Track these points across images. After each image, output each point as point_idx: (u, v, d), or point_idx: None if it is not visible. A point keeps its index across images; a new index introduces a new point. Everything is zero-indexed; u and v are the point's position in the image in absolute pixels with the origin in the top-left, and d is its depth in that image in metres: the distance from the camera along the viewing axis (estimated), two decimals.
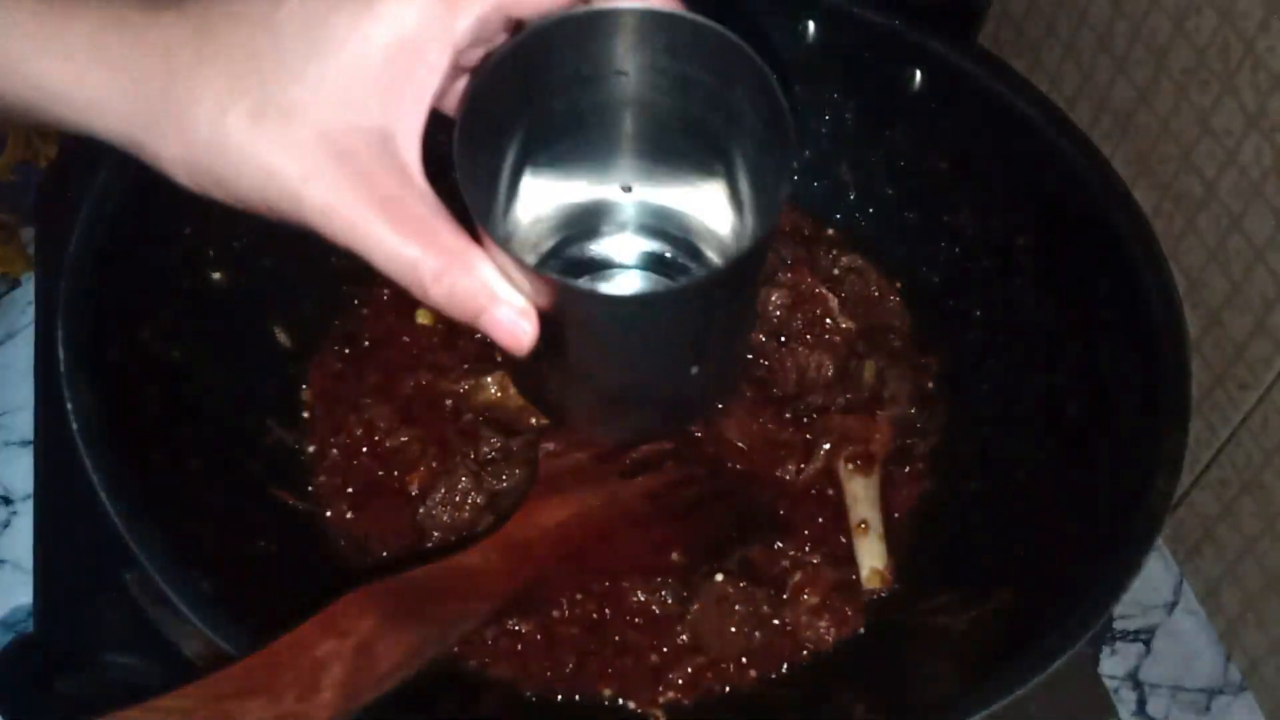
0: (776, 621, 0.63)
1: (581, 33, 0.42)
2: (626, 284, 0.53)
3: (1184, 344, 0.59)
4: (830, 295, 0.72)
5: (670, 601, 0.63)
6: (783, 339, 0.72)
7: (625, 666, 0.62)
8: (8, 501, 0.75)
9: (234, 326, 0.68)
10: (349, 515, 0.66)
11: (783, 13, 0.75)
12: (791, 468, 0.69)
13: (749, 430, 0.69)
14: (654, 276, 0.53)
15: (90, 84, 0.41)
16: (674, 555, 0.63)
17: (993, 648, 0.56)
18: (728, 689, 0.61)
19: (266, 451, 0.66)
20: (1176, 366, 0.58)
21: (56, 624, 0.68)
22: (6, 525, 0.74)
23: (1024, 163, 0.69)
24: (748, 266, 0.45)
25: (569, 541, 0.60)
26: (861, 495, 0.67)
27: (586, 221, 0.51)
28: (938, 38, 0.71)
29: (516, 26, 0.42)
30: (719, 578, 0.63)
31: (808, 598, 0.63)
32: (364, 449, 0.68)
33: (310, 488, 0.67)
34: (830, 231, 0.80)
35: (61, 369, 0.54)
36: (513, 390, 0.69)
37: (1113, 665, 0.73)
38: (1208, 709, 0.72)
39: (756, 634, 0.62)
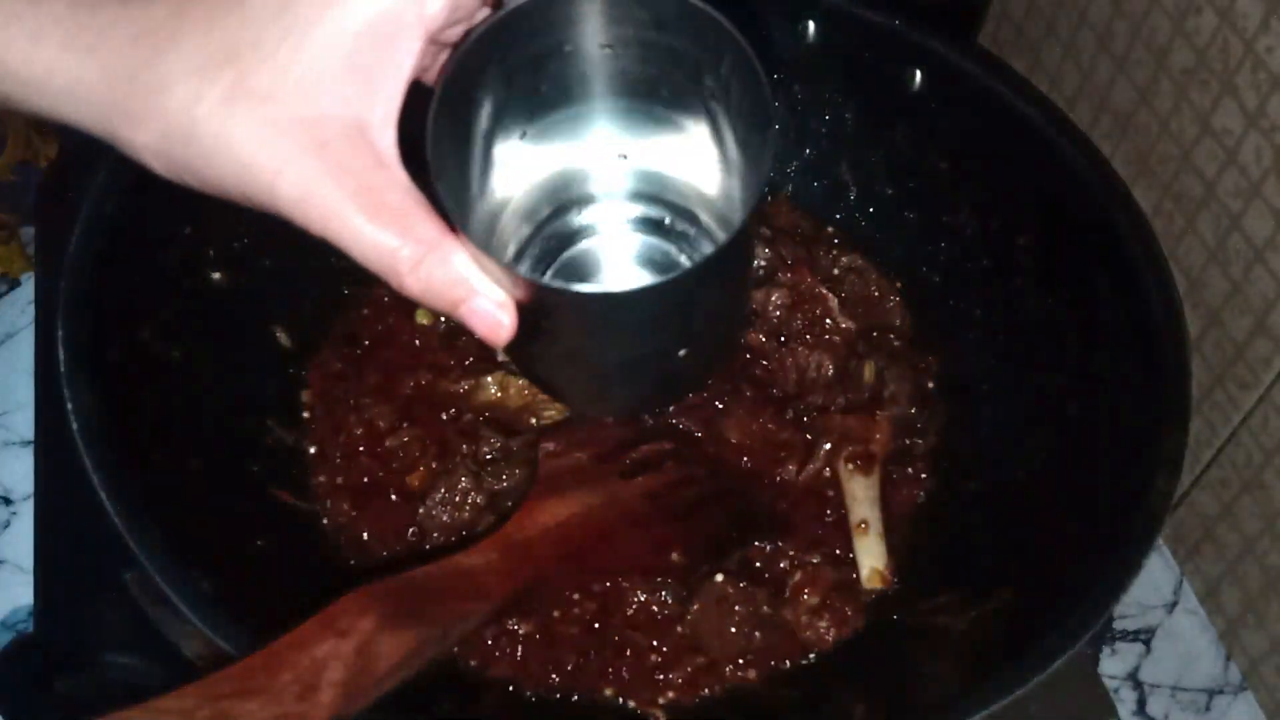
0: (776, 621, 0.63)
1: (563, 8, 0.42)
2: (618, 263, 0.53)
3: (1184, 344, 0.59)
4: (830, 295, 0.72)
5: (670, 601, 0.63)
6: (783, 339, 0.72)
7: (625, 666, 0.62)
8: (8, 501, 0.75)
9: (234, 326, 0.68)
10: (349, 515, 0.66)
11: (783, 13, 0.75)
12: (791, 468, 0.69)
13: (749, 430, 0.69)
14: (652, 242, 0.53)
15: (61, 70, 0.41)
16: (674, 555, 0.63)
17: (993, 648, 0.56)
18: (728, 689, 0.61)
19: (266, 451, 0.66)
20: (1176, 366, 0.58)
21: (56, 624, 0.68)
22: (6, 525, 0.74)
23: (1024, 163, 0.69)
24: (728, 257, 0.45)
25: (569, 541, 0.60)
26: (861, 495, 0.67)
27: (582, 188, 0.52)
28: (938, 38, 0.71)
29: (497, 3, 0.42)
30: (719, 578, 0.63)
31: (808, 598, 0.63)
32: (364, 449, 0.68)
33: (310, 488, 0.67)
34: (830, 231, 0.80)
35: (61, 369, 0.54)
36: (513, 390, 0.69)
37: (1113, 665, 0.73)
38: (1208, 709, 0.72)
39: (756, 634, 0.62)
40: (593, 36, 0.44)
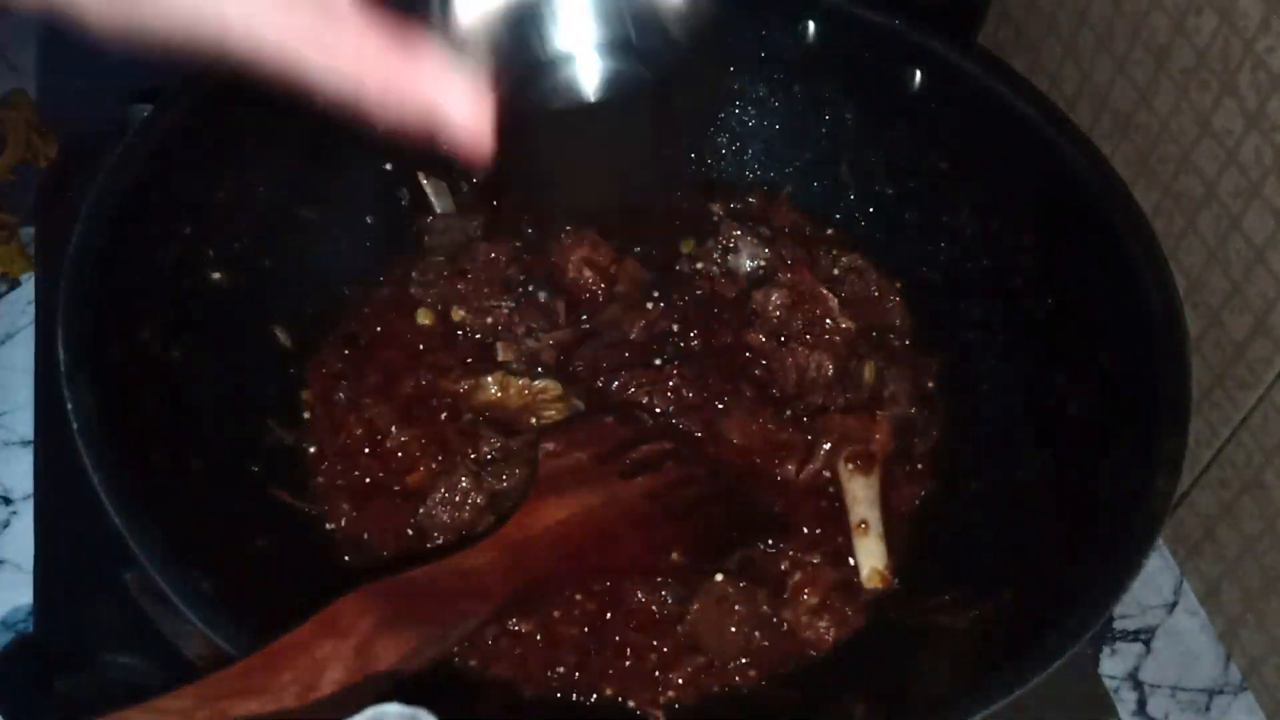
0: (776, 621, 0.63)
1: None
2: (587, 73, 0.53)
3: (1184, 344, 0.59)
4: (830, 295, 0.72)
5: (670, 601, 0.63)
6: (783, 339, 0.72)
7: (625, 666, 0.62)
8: (8, 501, 0.75)
9: (234, 326, 0.68)
10: (349, 515, 0.66)
11: (783, 13, 0.75)
12: (791, 468, 0.69)
13: (749, 430, 0.69)
14: (619, 66, 0.53)
15: None
16: (674, 555, 0.63)
17: (993, 648, 0.56)
18: (728, 689, 0.61)
19: (266, 451, 0.66)
20: (1176, 366, 0.58)
21: (56, 624, 0.68)
22: (6, 525, 0.74)
23: (1024, 163, 0.69)
24: (676, 60, 0.45)
25: (569, 541, 0.60)
26: (861, 495, 0.67)
27: (548, 8, 0.52)
28: (938, 38, 0.71)
29: None
30: (719, 578, 0.63)
31: (808, 598, 0.63)
32: (364, 449, 0.68)
33: (310, 488, 0.67)
34: (830, 231, 0.80)
35: (61, 369, 0.54)
36: (513, 390, 0.69)
37: (1113, 665, 0.73)
38: (1208, 709, 0.72)
39: (756, 634, 0.62)
40: None
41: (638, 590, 0.63)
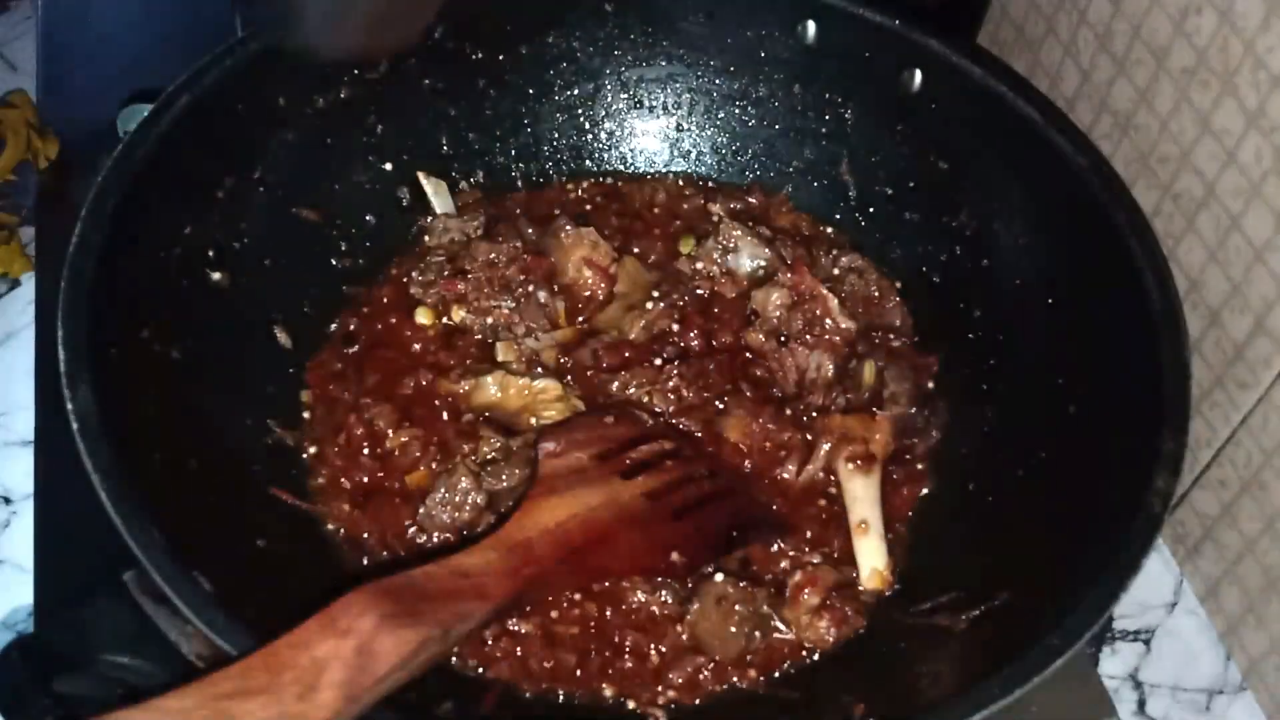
0: (776, 621, 0.63)
1: None
2: None
3: (1184, 344, 0.59)
4: (830, 295, 0.72)
5: (670, 601, 0.63)
6: (783, 339, 0.72)
7: (625, 666, 0.62)
8: (8, 501, 0.75)
9: (234, 326, 0.68)
10: (349, 515, 0.66)
11: (783, 13, 0.75)
12: (791, 468, 0.69)
13: (749, 430, 0.69)
14: None
15: None
16: (674, 555, 0.63)
17: (993, 648, 0.56)
18: (728, 689, 0.62)
19: (266, 451, 0.66)
20: (1176, 366, 0.58)
21: (56, 624, 0.67)
22: (6, 525, 0.74)
23: (1024, 163, 0.69)
24: None
25: (569, 541, 0.60)
26: (861, 495, 0.67)
27: None
28: (938, 38, 0.71)
29: None
30: (719, 578, 0.63)
31: (808, 598, 0.63)
32: (364, 449, 0.68)
33: (310, 488, 0.67)
34: (830, 231, 0.80)
35: (61, 369, 0.54)
36: (513, 390, 0.69)
37: (1113, 665, 0.73)
38: (1208, 709, 0.72)
39: (756, 634, 0.62)
40: None
41: (638, 590, 0.63)
